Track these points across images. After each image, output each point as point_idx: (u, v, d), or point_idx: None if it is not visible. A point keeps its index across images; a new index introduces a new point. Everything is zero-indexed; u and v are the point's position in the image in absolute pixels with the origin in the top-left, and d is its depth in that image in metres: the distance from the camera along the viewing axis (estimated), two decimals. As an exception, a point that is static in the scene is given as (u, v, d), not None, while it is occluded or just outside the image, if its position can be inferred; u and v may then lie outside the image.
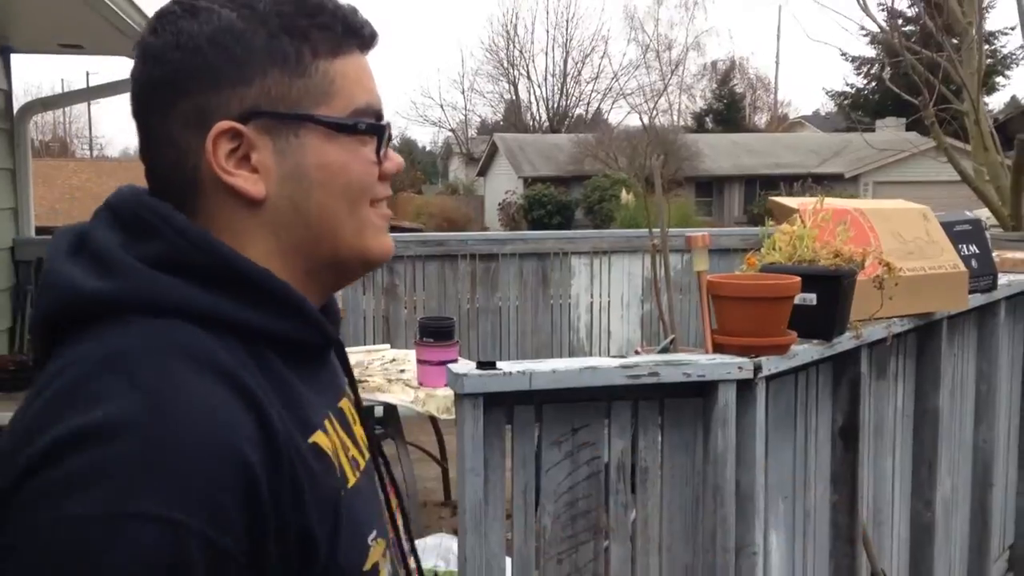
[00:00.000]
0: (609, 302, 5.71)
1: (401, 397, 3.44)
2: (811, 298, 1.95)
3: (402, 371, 3.79)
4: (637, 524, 1.85)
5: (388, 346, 4.45)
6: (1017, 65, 31.87)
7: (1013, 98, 32.57)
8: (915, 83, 6.91)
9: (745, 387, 1.81)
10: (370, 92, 0.80)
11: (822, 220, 2.06)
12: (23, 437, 0.64)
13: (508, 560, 1.78)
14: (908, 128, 25.87)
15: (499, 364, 1.71)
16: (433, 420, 3.98)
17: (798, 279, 1.84)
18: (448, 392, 3.48)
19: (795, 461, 2.12)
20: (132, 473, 0.61)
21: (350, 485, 0.77)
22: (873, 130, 29.95)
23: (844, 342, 2.07)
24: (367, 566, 0.77)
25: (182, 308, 0.70)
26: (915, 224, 2.38)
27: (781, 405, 2.02)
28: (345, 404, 0.85)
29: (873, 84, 33.91)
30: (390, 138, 0.82)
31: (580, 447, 1.80)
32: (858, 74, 34.98)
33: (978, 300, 2.68)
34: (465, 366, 1.71)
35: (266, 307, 0.74)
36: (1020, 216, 5.80)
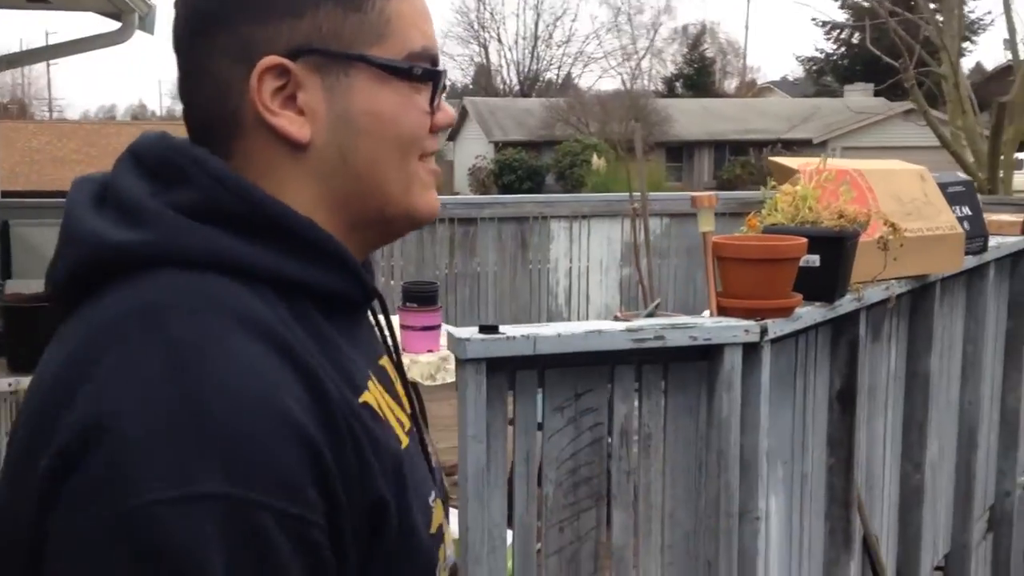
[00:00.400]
0: (588, 267, 5.67)
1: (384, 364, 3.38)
2: (814, 259, 1.92)
3: (384, 337, 3.73)
4: (640, 490, 1.82)
5: (368, 311, 4.39)
6: (984, 31, 32.10)
7: (978, 64, 32.85)
8: (890, 46, 6.89)
9: (751, 350, 1.78)
10: (427, 36, 0.75)
11: (824, 180, 2.02)
12: (58, 405, 0.59)
13: (509, 532, 1.74)
14: (876, 94, 26.03)
15: (502, 328, 1.66)
16: (414, 385, 3.94)
17: (804, 240, 1.80)
18: (432, 358, 3.43)
19: (794, 424, 2.10)
20: (184, 450, 0.56)
21: (403, 446, 0.73)
22: (842, 95, 30.11)
23: (845, 304, 2.04)
24: (432, 529, 0.74)
25: (219, 260, 0.65)
26: (913, 185, 2.35)
27: (782, 367, 1.99)
28: (385, 362, 0.80)
29: (843, 49, 34.01)
30: (445, 87, 0.77)
31: (583, 413, 1.76)
32: (828, 39, 35.08)
33: (970, 262, 2.67)
34: (467, 331, 1.65)
35: (308, 258, 0.69)
36: (996, 180, 5.84)
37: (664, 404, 1.81)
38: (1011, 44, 6.10)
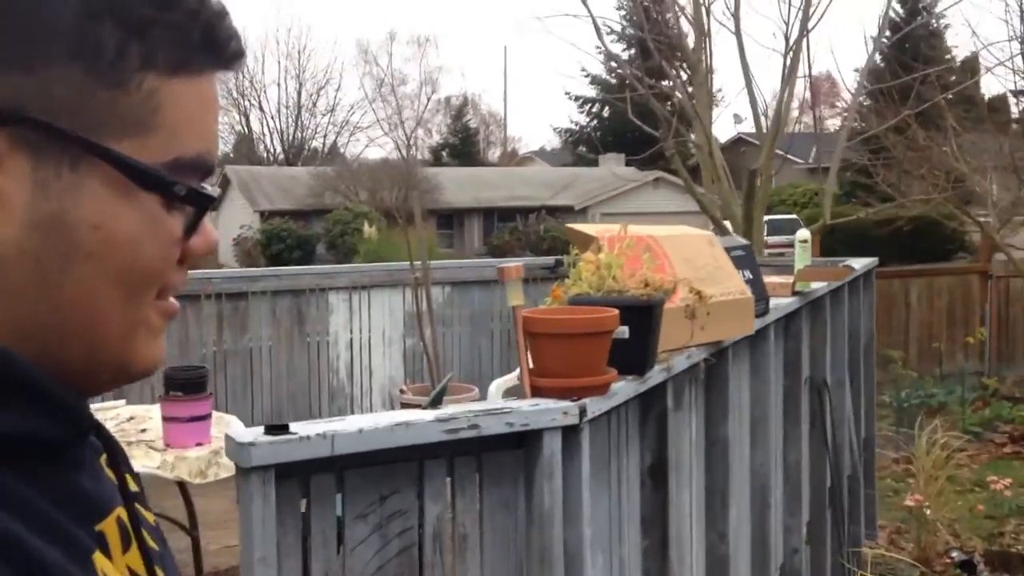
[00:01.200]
0: (370, 338, 5.43)
1: (145, 463, 2.96)
2: (624, 331, 1.82)
3: (143, 431, 3.29)
4: (455, 600, 1.61)
5: (123, 402, 3.89)
6: (717, 106, 35.31)
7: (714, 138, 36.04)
8: (640, 117, 7.28)
9: (570, 433, 1.64)
10: (207, 138, 0.55)
11: (627, 247, 1.95)
12: None
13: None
14: (628, 163, 27.85)
15: (293, 427, 1.41)
16: (182, 486, 3.50)
17: (616, 312, 1.70)
18: (202, 452, 3.06)
19: (610, 508, 1.98)
20: None
21: None
22: (597, 164, 31.96)
23: (655, 376, 1.96)
24: None
25: None
26: (703, 250, 2.35)
27: (598, 449, 1.87)
28: (116, 519, 0.57)
29: (595, 122, 36.20)
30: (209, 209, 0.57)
31: (390, 518, 1.54)
32: (581, 112, 37.25)
33: (756, 325, 2.72)
34: (250, 432, 1.39)
35: None
36: (752, 243, 6.23)
37: (480, 500, 1.63)
38: (754, 116, 6.65)
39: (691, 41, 7.30)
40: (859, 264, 4.46)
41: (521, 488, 1.64)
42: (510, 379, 4.14)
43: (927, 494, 4.71)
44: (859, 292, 4.57)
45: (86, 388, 0.55)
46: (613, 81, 29.73)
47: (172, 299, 0.57)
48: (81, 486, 0.54)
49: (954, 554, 4.67)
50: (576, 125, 37.94)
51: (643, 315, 1.84)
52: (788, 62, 6.42)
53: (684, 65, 7.57)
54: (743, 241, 2.84)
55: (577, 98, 36.25)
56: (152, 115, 0.52)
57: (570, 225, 2.21)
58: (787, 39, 6.40)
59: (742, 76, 6.60)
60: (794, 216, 22.30)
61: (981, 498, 5.16)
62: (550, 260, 5.79)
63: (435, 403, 3.59)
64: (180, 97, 0.53)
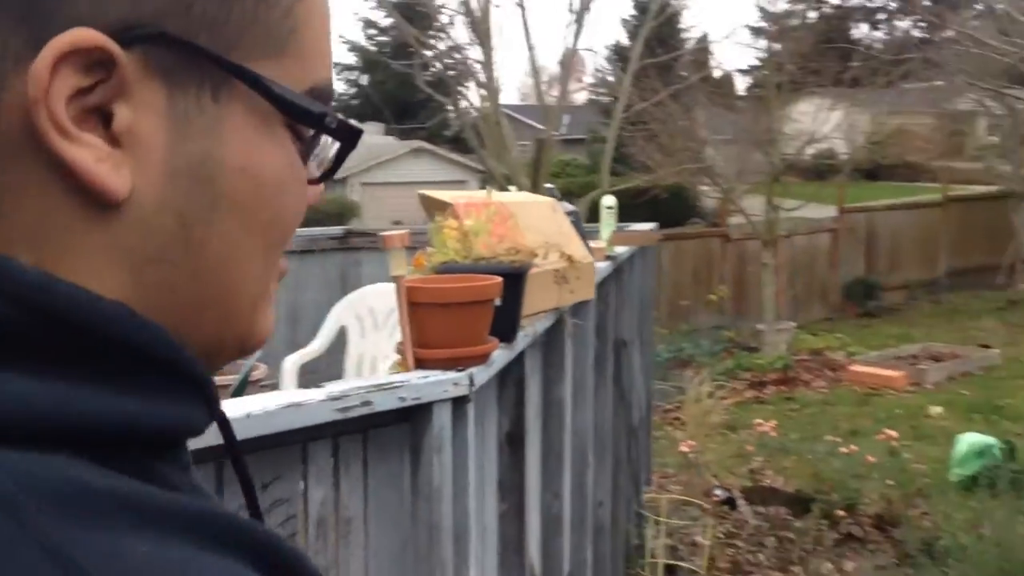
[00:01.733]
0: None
1: None
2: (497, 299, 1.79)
3: None
4: (341, 588, 1.51)
5: None
6: (471, 78, 35.91)
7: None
8: (402, 87, 7.21)
9: (459, 404, 1.58)
10: (329, 63, 0.46)
11: (494, 214, 1.91)
12: None
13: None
14: (387, 132, 27.67)
15: (172, 415, 1.25)
16: None
17: (500, 280, 1.66)
18: None
19: (473, 477, 1.95)
20: None
21: None
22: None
23: (520, 342, 1.95)
24: None
25: (25, 422, 0.34)
26: (548, 218, 2.35)
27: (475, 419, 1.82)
28: None
29: (354, 90, 35.62)
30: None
31: (272, 506, 1.41)
32: (339, 79, 36.45)
33: (585, 290, 2.77)
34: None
35: (136, 385, 0.38)
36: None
37: (364, 478, 1.53)
38: (536, 86, 6.80)
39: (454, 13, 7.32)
40: (652, 228, 4.71)
41: (407, 463, 1.57)
42: (305, 354, 3.98)
43: (697, 439, 5.10)
44: (646, 255, 4.82)
45: (209, 367, 0.44)
46: (373, 49, 29.32)
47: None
48: (198, 483, 0.45)
49: (718, 492, 5.10)
50: (336, 93, 37.09)
51: (515, 282, 1.81)
52: (574, 35, 6.61)
53: (448, 33, 7.56)
54: (572, 207, 2.87)
55: (336, 65, 35.45)
56: (289, 36, 0.42)
57: (423, 191, 2.13)
58: (572, 12, 6.58)
59: (525, 46, 6.70)
60: (551, 185, 23.17)
61: (741, 439, 5.66)
62: (338, 230, 5.61)
63: (240, 390, 3.36)
64: (311, 12, 0.43)
